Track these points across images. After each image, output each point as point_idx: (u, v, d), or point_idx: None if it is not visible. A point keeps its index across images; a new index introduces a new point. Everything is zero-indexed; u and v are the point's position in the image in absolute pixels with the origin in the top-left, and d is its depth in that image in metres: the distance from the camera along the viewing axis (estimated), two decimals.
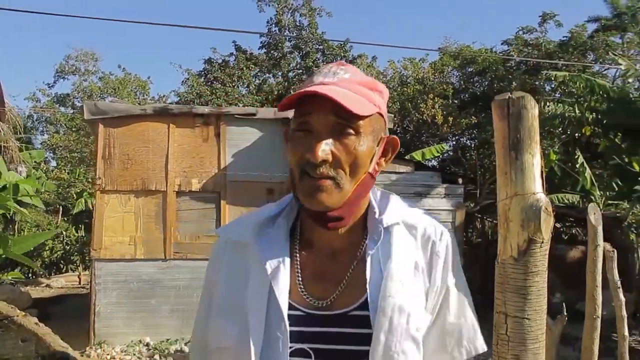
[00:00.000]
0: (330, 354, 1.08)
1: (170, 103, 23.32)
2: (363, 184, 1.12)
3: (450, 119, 17.82)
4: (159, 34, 60.15)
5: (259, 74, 22.79)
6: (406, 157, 11.03)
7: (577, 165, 10.61)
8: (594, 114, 9.84)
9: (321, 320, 1.10)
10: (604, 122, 9.84)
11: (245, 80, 21.74)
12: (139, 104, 26.16)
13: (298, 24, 22.50)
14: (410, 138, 19.10)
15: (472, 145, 20.25)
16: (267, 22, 22.70)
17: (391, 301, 1.08)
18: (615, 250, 2.02)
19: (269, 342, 1.07)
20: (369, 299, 1.09)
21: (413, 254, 1.15)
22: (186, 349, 6.91)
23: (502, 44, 20.43)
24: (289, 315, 1.08)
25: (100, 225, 6.96)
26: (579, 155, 10.58)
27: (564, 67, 17.88)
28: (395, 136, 1.21)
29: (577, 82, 9.56)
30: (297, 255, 1.16)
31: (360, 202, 1.16)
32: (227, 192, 7.47)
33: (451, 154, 19.97)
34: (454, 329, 1.18)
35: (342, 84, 1.09)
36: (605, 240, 6.84)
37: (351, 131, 1.08)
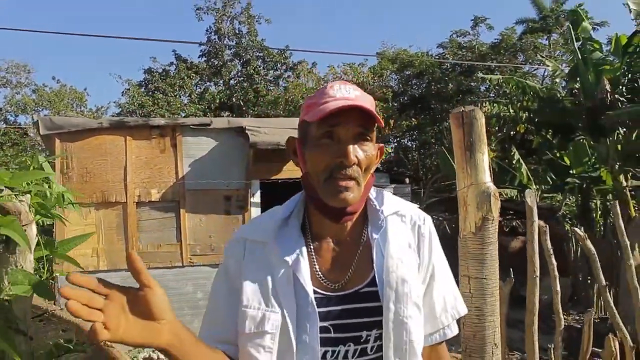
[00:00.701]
0: (348, 327, 1.26)
1: (113, 115, 23.11)
2: (369, 183, 1.33)
3: (391, 121, 18.45)
4: (94, 44, 58.80)
5: (200, 82, 22.89)
6: None
7: (514, 162, 11.28)
8: (526, 112, 10.59)
9: (337, 299, 1.28)
10: (536, 120, 10.59)
11: (186, 90, 21.84)
12: (75, 117, 25.74)
13: (237, 32, 22.75)
14: None
15: (414, 147, 20.99)
16: (207, 30, 22.90)
17: (394, 275, 1.27)
18: (548, 227, 2.50)
19: (299, 322, 1.24)
20: (376, 276, 1.28)
21: (406, 237, 1.36)
22: (154, 356, 7.14)
23: (437, 47, 21.35)
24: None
25: (62, 239, 7.09)
26: (514, 152, 11.26)
27: (497, 68, 18.91)
28: (382, 144, 1.41)
29: (510, 84, 10.31)
30: (311, 247, 1.33)
31: (365, 199, 1.36)
32: (186, 200, 7.73)
33: (393, 155, 20.66)
34: (440, 298, 1.37)
35: (359, 99, 1.27)
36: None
37: (368, 138, 1.28)
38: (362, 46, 48.96)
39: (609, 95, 8.23)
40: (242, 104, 21.23)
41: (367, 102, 1.28)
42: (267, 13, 36.12)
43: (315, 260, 1.32)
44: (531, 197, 2.22)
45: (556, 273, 2.46)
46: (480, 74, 17.33)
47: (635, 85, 8.71)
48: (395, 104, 20.15)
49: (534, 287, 2.21)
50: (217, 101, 21.69)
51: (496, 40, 19.70)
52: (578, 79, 9.63)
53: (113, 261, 7.32)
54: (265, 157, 7.84)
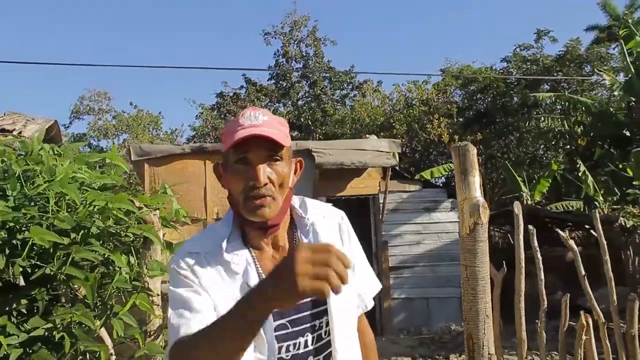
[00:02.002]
0: (301, 320, 1.43)
1: (188, 138, 24.60)
2: (288, 197, 1.48)
3: (456, 137, 18.77)
4: (168, 69, 62.00)
5: (269, 104, 24.06)
6: (416, 177, 12.27)
7: (579, 174, 11.62)
8: (581, 127, 10.98)
9: None
10: (591, 134, 10.96)
11: None
12: (151, 140, 27.50)
13: (304, 54, 23.84)
14: (419, 157, 20.16)
15: (479, 161, 21.18)
16: (275, 53, 24.10)
17: None
18: (535, 229, 3.15)
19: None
20: None
21: (331, 234, 1.57)
22: None
23: (501, 61, 21.54)
24: None
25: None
26: (580, 164, 11.60)
27: (563, 81, 19.04)
28: (300, 158, 1.61)
29: (562, 100, 10.72)
30: (254, 256, 1.47)
31: (287, 210, 1.51)
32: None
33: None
34: (362, 280, 1.63)
35: (266, 124, 1.40)
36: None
37: (278, 159, 1.42)
38: (425, 62, 49.31)
39: None
40: (310, 123, 22.16)
41: (274, 125, 1.42)
42: (332, 33, 37.32)
43: (259, 267, 1.46)
44: (517, 207, 2.92)
45: (541, 265, 3.10)
46: (545, 87, 17.39)
47: None
48: (460, 119, 20.45)
49: (520, 274, 2.89)
50: (287, 122, 22.70)
51: (561, 52, 19.75)
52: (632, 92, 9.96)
53: None
54: (330, 176, 8.69)
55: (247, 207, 1.40)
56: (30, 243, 2.11)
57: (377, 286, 1.71)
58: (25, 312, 2.42)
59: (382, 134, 18.92)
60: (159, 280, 2.61)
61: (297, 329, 1.43)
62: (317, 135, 21.45)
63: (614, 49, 20.27)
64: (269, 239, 1.49)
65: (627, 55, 9.85)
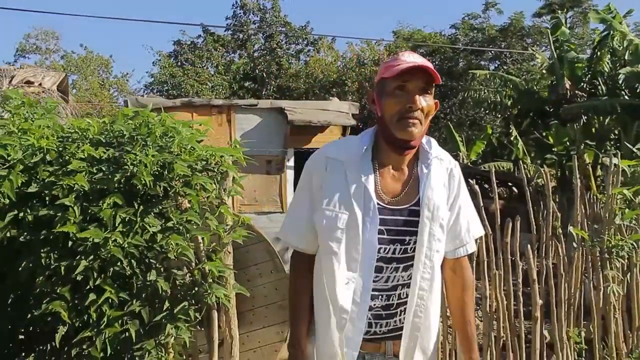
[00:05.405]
0: (397, 232, 1.74)
1: (145, 84, 25.61)
2: (427, 127, 1.77)
3: None
4: (122, 12, 61.36)
5: (225, 54, 25.16)
6: None
7: (512, 138, 13.46)
8: (511, 100, 13.08)
9: (391, 211, 1.76)
10: (518, 107, 13.09)
11: (213, 61, 24.21)
12: (102, 82, 28.23)
13: (262, 7, 24.97)
14: (367, 114, 22.00)
15: None
16: (233, 4, 25.03)
17: (432, 202, 1.75)
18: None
19: (364, 223, 1.73)
20: (420, 199, 1.76)
21: (442, 175, 1.84)
22: None
23: (450, 27, 23.52)
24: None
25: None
26: (512, 130, 13.59)
27: (506, 51, 21.11)
28: (437, 100, 1.81)
29: (496, 78, 12.78)
30: (377, 172, 1.79)
31: (422, 139, 1.80)
32: (238, 163, 10.30)
33: None
34: (464, 222, 1.89)
35: (425, 63, 1.69)
36: (519, 196, 10.25)
37: (429, 92, 1.71)
38: (379, 23, 50.79)
39: (568, 92, 10.75)
40: (264, 75, 23.37)
41: (430, 66, 1.71)
42: None
43: (379, 181, 1.79)
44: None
45: None
46: (489, 55, 19.17)
47: (594, 81, 11.16)
48: None
49: None
50: (242, 72, 23.97)
51: (505, 24, 21.81)
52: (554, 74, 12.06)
53: None
54: (299, 131, 10.39)
55: (400, 125, 1.72)
56: (174, 173, 3.88)
57: (479, 231, 1.94)
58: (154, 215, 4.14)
59: (334, 90, 20.58)
60: (231, 198, 4.45)
61: (391, 237, 1.75)
62: (272, 87, 22.93)
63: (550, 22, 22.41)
64: (396, 161, 1.82)
65: (551, 42, 11.89)
